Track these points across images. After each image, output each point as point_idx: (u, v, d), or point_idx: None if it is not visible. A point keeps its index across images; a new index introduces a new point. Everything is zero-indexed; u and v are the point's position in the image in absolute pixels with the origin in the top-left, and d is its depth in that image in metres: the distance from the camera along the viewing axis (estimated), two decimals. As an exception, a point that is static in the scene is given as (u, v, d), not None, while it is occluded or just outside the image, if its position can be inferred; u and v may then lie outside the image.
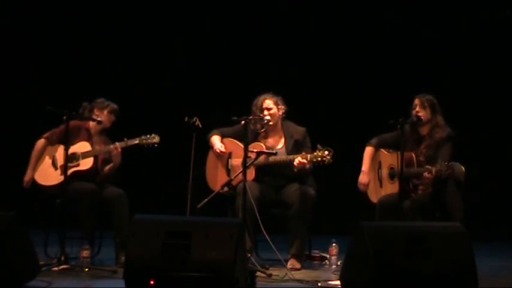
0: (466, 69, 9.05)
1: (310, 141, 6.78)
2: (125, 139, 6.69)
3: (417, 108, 6.54)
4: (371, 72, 9.19)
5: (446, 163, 6.15)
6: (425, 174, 6.29)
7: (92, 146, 6.73)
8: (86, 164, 6.66)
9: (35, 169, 6.72)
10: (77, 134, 6.70)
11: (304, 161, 6.47)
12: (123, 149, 6.69)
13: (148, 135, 6.69)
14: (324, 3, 9.32)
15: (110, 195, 6.61)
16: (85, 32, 9.37)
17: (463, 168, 6.35)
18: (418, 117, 6.48)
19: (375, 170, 6.70)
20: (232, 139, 6.84)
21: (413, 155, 6.48)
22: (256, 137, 6.81)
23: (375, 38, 9.22)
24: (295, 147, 6.73)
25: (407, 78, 8.96)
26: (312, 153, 6.46)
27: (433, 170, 6.18)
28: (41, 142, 6.73)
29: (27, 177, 6.73)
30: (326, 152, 6.38)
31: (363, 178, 6.65)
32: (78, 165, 6.62)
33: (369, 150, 6.70)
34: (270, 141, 6.84)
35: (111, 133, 6.95)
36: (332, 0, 9.34)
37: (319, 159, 6.39)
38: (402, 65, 9.10)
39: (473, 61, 9.05)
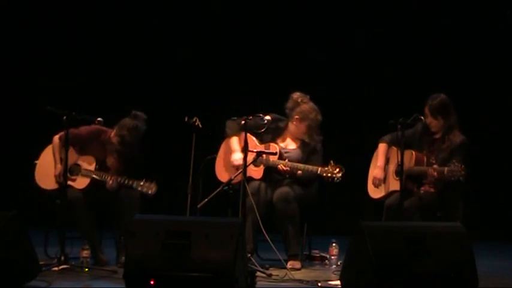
0: (466, 69, 9.04)
1: (322, 150, 6.79)
2: (125, 177, 6.60)
3: (429, 119, 6.47)
4: (371, 73, 9.19)
5: (460, 165, 6.12)
6: (431, 171, 6.28)
7: (96, 163, 6.66)
8: (81, 183, 6.61)
9: (60, 162, 6.59)
10: (92, 142, 6.69)
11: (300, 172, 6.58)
12: (118, 182, 6.62)
13: (147, 183, 6.55)
14: (325, 2, 9.32)
15: (125, 196, 6.59)
16: (84, 31, 9.38)
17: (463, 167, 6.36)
18: (420, 119, 6.43)
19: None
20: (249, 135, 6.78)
21: (425, 157, 6.46)
22: (274, 137, 6.80)
23: (376, 37, 9.22)
24: (307, 153, 6.74)
25: (407, 78, 8.98)
26: (322, 167, 6.47)
27: (446, 169, 6.16)
28: (56, 140, 6.65)
29: (56, 172, 6.61)
30: (337, 170, 6.41)
31: (378, 173, 6.59)
32: (74, 180, 6.59)
33: (382, 147, 6.64)
34: (287, 143, 6.84)
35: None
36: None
37: (329, 174, 6.41)
38: (402, 65, 9.10)
39: (474, 61, 9.05)
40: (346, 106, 9.08)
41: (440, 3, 9.12)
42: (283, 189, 6.61)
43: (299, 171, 6.61)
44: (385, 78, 9.14)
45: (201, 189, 6.63)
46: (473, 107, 8.73)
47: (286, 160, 6.66)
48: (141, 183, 6.55)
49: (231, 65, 9.27)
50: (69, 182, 6.54)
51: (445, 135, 6.48)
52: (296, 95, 6.78)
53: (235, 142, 6.77)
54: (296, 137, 6.82)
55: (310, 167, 6.56)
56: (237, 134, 6.77)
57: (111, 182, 6.58)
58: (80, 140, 6.64)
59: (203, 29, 9.38)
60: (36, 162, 6.78)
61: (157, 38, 9.37)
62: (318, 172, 6.48)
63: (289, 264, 6.44)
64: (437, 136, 6.53)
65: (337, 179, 6.42)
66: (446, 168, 6.17)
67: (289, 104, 6.78)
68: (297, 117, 6.73)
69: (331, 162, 6.47)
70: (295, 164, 6.62)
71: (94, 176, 6.62)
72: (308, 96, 6.79)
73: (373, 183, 6.62)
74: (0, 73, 9.24)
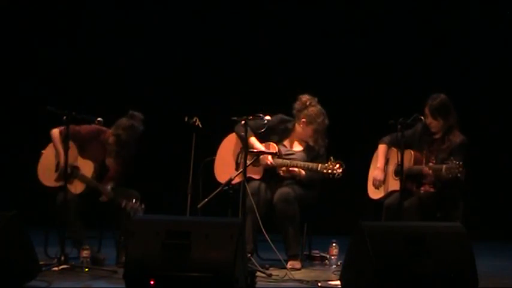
0: (466, 69, 9.05)
1: (326, 154, 6.77)
2: (119, 194, 6.60)
3: (429, 120, 6.47)
4: (371, 73, 9.19)
5: (457, 162, 6.12)
6: (425, 169, 6.29)
7: (95, 170, 6.65)
8: (77, 187, 6.58)
9: (64, 153, 6.47)
10: (92, 142, 6.68)
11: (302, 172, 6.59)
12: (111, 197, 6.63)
13: (136, 204, 6.52)
14: (325, 2, 9.33)
15: (123, 195, 6.59)
16: (84, 31, 9.38)
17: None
18: (420, 119, 6.43)
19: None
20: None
21: (424, 157, 6.45)
22: (282, 138, 6.79)
23: (376, 37, 9.22)
24: (311, 157, 6.72)
25: (407, 78, 8.98)
26: (322, 164, 6.48)
27: (443, 167, 6.16)
28: (56, 133, 6.62)
29: (62, 161, 6.52)
30: (337, 165, 6.41)
31: (378, 174, 6.60)
32: (71, 182, 6.56)
33: (382, 148, 6.65)
34: (293, 144, 6.82)
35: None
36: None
37: (330, 171, 6.41)
38: (402, 65, 9.11)
39: (474, 61, 9.05)
40: (346, 106, 9.08)
41: (440, 3, 9.13)
42: (284, 190, 6.61)
43: (302, 172, 6.60)
44: (385, 78, 9.14)
45: (201, 189, 6.63)
46: (473, 107, 8.74)
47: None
48: (130, 203, 6.51)
49: (231, 65, 9.27)
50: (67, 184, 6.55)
51: (445, 136, 6.48)
52: (305, 98, 6.75)
53: (257, 142, 6.71)
54: (302, 139, 6.81)
55: (310, 164, 6.56)
56: (252, 134, 6.68)
57: (105, 197, 6.59)
58: (80, 138, 6.62)
59: (203, 29, 9.38)
60: (43, 152, 6.75)
61: (157, 38, 9.37)
62: (318, 169, 6.48)
63: (289, 264, 6.44)
64: (437, 136, 6.53)
65: (338, 174, 6.41)
66: (444, 166, 6.18)
67: (297, 106, 6.75)
68: (303, 120, 6.71)
69: (331, 158, 6.46)
70: (295, 162, 6.62)
71: (90, 185, 6.59)
72: (316, 99, 6.76)
73: (373, 185, 6.63)
74: (0, 73, 9.25)
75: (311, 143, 6.75)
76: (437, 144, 6.50)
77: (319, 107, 6.73)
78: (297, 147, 6.82)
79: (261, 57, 9.22)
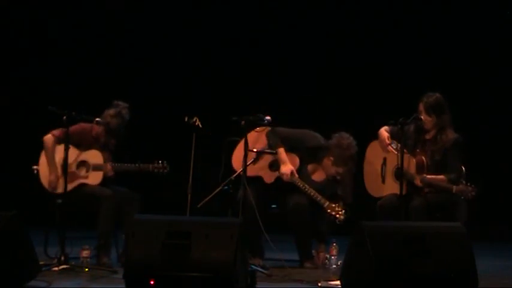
0: (467, 69, 9.05)
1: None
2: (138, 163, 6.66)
3: (422, 116, 6.43)
4: (371, 73, 9.19)
5: (470, 184, 6.10)
6: (418, 182, 6.26)
7: (103, 154, 6.64)
8: (95, 178, 6.58)
9: (53, 166, 6.56)
10: (83, 138, 6.65)
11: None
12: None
13: (161, 164, 6.63)
14: (324, 2, 9.34)
15: (122, 195, 6.60)
16: (83, 30, 9.39)
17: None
18: (420, 119, 6.40)
19: (377, 165, 6.64)
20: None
21: (424, 159, 6.42)
22: (308, 162, 6.73)
23: (376, 37, 9.23)
24: (328, 192, 6.70)
25: (407, 78, 8.98)
26: (330, 202, 6.48)
27: (454, 188, 6.13)
28: (49, 139, 6.60)
29: (52, 177, 6.56)
30: (342, 211, 6.43)
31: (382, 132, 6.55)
32: (86, 177, 6.57)
33: (385, 128, 6.57)
34: (317, 172, 6.77)
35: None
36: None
37: (333, 212, 6.43)
38: (401, 65, 9.11)
39: (474, 61, 9.06)
40: (346, 106, 9.08)
41: (440, 2, 9.14)
42: (297, 200, 6.59)
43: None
44: (385, 78, 9.14)
45: (223, 168, 6.60)
46: (473, 107, 8.74)
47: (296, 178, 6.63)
48: (155, 165, 6.66)
49: (231, 65, 9.27)
50: (82, 180, 6.55)
51: (437, 136, 6.44)
52: (345, 140, 6.65)
53: (283, 153, 6.65)
54: (325, 173, 6.75)
55: (319, 197, 6.52)
56: (281, 145, 6.65)
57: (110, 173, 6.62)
58: (72, 138, 6.59)
59: (203, 29, 9.39)
60: (37, 167, 6.67)
61: (157, 37, 9.38)
62: (324, 206, 6.47)
63: (309, 263, 6.52)
64: (429, 136, 6.48)
65: (339, 221, 6.44)
66: (454, 187, 6.15)
67: (334, 142, 6.67)
68: (332, 158, 6.66)
69: (340, 202, 6.48)
70: (307, 187, 6.57)
71: (106, 170, 6.58)
72: (355, 143, 6.67)
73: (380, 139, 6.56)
74: (0, 73, 9.25)
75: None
76: (430, 145, 6.46)
77: (352, 151, 6.63)
78: (319, 177, 6.77)
79: (261, 57, 9.23)
